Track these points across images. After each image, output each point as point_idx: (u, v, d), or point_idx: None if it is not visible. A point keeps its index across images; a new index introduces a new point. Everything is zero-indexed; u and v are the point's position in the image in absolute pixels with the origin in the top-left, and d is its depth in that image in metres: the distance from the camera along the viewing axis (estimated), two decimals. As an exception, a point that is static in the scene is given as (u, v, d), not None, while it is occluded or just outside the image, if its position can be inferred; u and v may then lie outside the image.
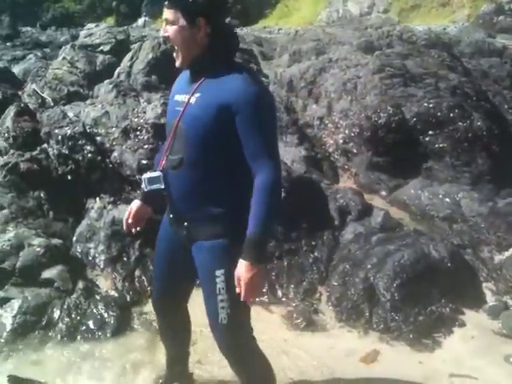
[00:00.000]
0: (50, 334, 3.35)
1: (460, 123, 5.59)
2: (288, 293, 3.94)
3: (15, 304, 3.43)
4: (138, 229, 2.52)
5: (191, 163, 2.17)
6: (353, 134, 5.91)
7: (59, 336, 3.33)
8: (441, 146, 5.57)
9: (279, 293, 3.94)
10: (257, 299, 3.78)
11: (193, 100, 2.16)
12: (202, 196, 2.19)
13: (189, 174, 2.18)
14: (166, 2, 2.17)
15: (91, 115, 4.64)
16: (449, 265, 3.98)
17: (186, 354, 2.80)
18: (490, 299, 3.93)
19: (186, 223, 2.26)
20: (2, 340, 3.26)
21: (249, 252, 2.05)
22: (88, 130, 4.40)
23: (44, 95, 6.21)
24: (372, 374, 3.19)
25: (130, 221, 2.47)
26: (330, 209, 4.58)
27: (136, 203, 2.49)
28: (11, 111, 4.93)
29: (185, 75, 2.34)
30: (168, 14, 2.16)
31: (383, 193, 5.60)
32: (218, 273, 2.20)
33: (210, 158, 2.15)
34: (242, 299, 2.06)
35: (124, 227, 2.53)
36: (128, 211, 2.49)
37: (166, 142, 2.29)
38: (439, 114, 5.62)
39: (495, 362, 3.26)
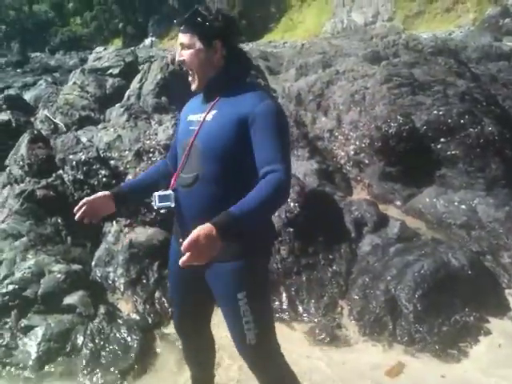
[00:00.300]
0: (74, 360, 3.34)
1: (471, 129, 5.58)
2: (309, 308, 3.92)
3: (39, 332, 3.45)
4: (86, 220, 2.38)
5: (208, 180, 2.17)
6: (364, 145, 5.91)
7: (84, 361, 3.33)
8: (453, 152, 5.55)
9: (300, 309, 3.92)
10: (277, 315, 3.84)
11: (209, 118, 2.19)
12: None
13: (204, 191, 2.18)
14: (182, 27, 2.20)
15: (104, 139, 4.69)
16: (469, 272, 3.96)
17: (210, 375, 2.79)
18: (514, 306, 3.89)
19: None
20: (29, 368, 3.27)
21: (221, 221, 1.86)
22: (102, 155, 4.45)
23: (56, 121, 6.29)
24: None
25: (86, 207, 2.35)
26: (345, 221, 4.57)
27: (105, 194, 2.42)
28: (25, 138, 4.99)
29: (196, 99, 2.39)
30: (184, 38, 2.19)
31: (398, 202, 5.59)
32: (240, 295, 2.18)
33: (228, 173, 2.16)
34: (183, 258, 1.81)
35: (76, 209, 2.37)
36: (92, 196, 2.39)
37: (176, 161, 2.36)
38: (449, 120, 5.62)
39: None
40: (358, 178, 6.02)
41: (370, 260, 4.24)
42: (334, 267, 4.22)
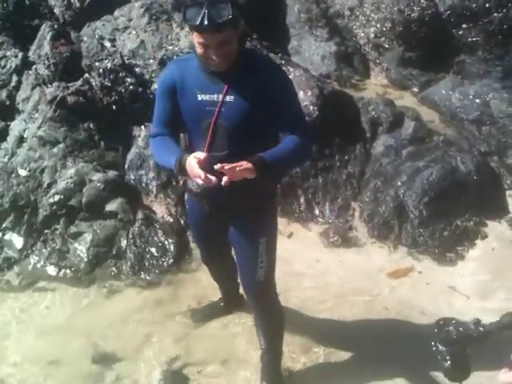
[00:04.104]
0: (121, 262, 3.86)
1: (495, 14, 5.46)
2: (324, 210, 4.33)
3: (87, 237, 3.94)
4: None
5: (238, 154, 2.26)
6: (384, 29, 5.85)
7: (129, 263, 3.85)
8: (474, 39, 5.55)
9: (316, 211, 4.33)
10: (296, 216, 4.27)
11: (229, 96, 2.25)
12: (249, 182, 2.24)
13: None
14: (214, 28, 2.04)
15: (128, 46, 4.73)
16: (475, 178, 4.28)
17: (237, 285, 3.28)
18: (512, 209, 4.25)
19: (229, 206, 2.47)
20: (81, 270, 3.81)
21: (257, 160, 2.13)
22: (127, 62, 4.54)
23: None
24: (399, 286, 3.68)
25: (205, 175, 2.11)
26: (361, 121, 4.77)
27: (191, 158, 2.16)
28: (47, 35, 5.04)
29: (193, 71, 2.30)
30: (220, 36, 2.07)
31: (415, 89, 5.71)
32: (262, 240, 2.54)
33: (256, 144, 2.30)
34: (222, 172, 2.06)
35: (208, 183, 2.10)
36: (190, 168, 2.14)
37: (195, 141, 2.39)
38: (474, 5, 5.49)
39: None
40: (377, 61, 6.06)
41: (382, 162, 4.52)
42: (349, 168, 4.54)
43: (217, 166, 2.04)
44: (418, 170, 4.27)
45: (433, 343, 1.38)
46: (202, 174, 2.07)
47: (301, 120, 2.37)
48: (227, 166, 2.03)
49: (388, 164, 4.48)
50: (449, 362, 1.35)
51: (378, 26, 5.91)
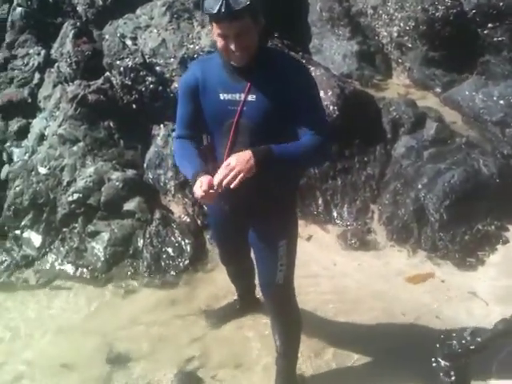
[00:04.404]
0: (138, 262, 3.87)
1: (523, 13, 5.34)
2: (342, 212, 4.28)
3: (104, 236, 3.96)
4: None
5: None
6: (408, 28, 5.76)
7: (146, 263, 3.85)
8: (499, 39, 5.44)
9: (334, 213, 4.28)
10: (313, 218, 4.23)
11: (251, 96, 2.23)
12: (270, 181, 2.31)
13: None
14: (232, 16, 2.03)
15: (149, 45, 4.74)
16: (497, 181, 4.18)
17: (253, 286, 3.28)
18: (535, 213, 4.15)
19: (249, 208, 2.45)
20: (98, 269, 3.83)
21: (261, 152, 2.11)
22: (147, 60, 4.55)
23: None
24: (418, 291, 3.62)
25: (204, 188, 2.14)
26: (382, 122, 4.70)
27: (206, 177, 2.18)
28: (69, 33, 5.07)
29: (215, 69, 2.30)
30: (238, 25, 2.06)
31: (437, 89, 5.60)
32: (282, 243, 2.52)
33: (276, 143, 2.25)
34: (223, 175, 2.07)
35: (201, 195, 2.16)
36: (199, 185, 2.17)
37: (217, 140, 2.37)
38: (501, 3, 5.37)
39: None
40: (400, 60, 5.97)
41: (403, 163, 4.44)
42: (368, 170, 4.47)
43: (211, 191, 2.08)
44: (440, 173, 4.19)
45: (433, 359, 1.35)
46: (198, 196, 2.17)
47: (322, 120, 2.32)
48: (216, 181, 2.08)
49: (409, 166, 4.40)
50: (453, 378, 1.32)
51: (402, 24, 5.82)
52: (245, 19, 2.07)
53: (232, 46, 2.11)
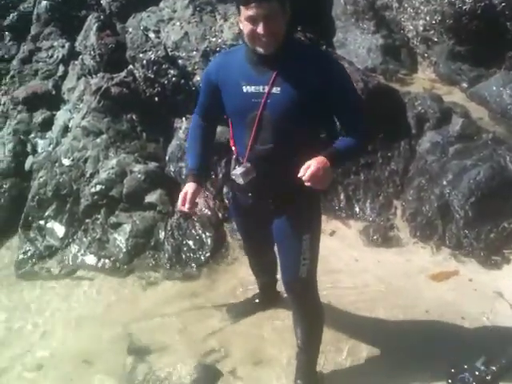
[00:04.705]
0: (159, 254, 3.88)
1: (554, 6, 5.21)
2: (365, 208, 4.23)
3: (126, 228, 3.97)
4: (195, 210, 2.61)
5: (283, 148, 2.29)
6: (434, 22, 5.67)
7: (167, 255, 3.86)
8: (529, 33, 5.29)
9: (356, 208, 4.24)
10: (335, 214, 4.20)
11: (276, 88, 2.20)
12: (294, 175, 2.19)
13: (281, 159, 2.30)
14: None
15: (172, 38, 4.74)
16: (524, 178, 4.09)
17: (275, 280, 3.25)
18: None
19: (272, 200, 2.46)
20: (120, 260, 3.85)
21: (328, 153, 2.17)
22: (170, 53, 4.55)
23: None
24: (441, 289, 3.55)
25: (187, 205, 2.46)
26: (407, 117, 4.63)
27: (191, 186, 2.50)
28: (93, 25, 5.10)
29: (238, 62, 2.30)
30: (267, 7, 2.05)
31: (464, 84, 5.52)
32: (305, 237, 2.50)
33: (301, 139, 2.27)
34: (306, 179, 2.09)
35: (181, 209, 2.49)
36: (183, 195, 2.48)
37: (239, 133, 2.39)
38: (531, -4, 5.24)
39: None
40: (425, 55, 5.89)
41: (428, 159, 4.38)
42: (392, 165, 4.42)
43: (300, 174, 2.08)
44: (465, 169, 4.12)
45: None
46: (180, 203, 2.49)
47: (360, 110, 2.30)
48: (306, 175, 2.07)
49: (433, 162, 4.33)
50: None
51: (428, 18, 5.74)
52: (273, 3, 2.07)
53: (260, 29, 2.08)
